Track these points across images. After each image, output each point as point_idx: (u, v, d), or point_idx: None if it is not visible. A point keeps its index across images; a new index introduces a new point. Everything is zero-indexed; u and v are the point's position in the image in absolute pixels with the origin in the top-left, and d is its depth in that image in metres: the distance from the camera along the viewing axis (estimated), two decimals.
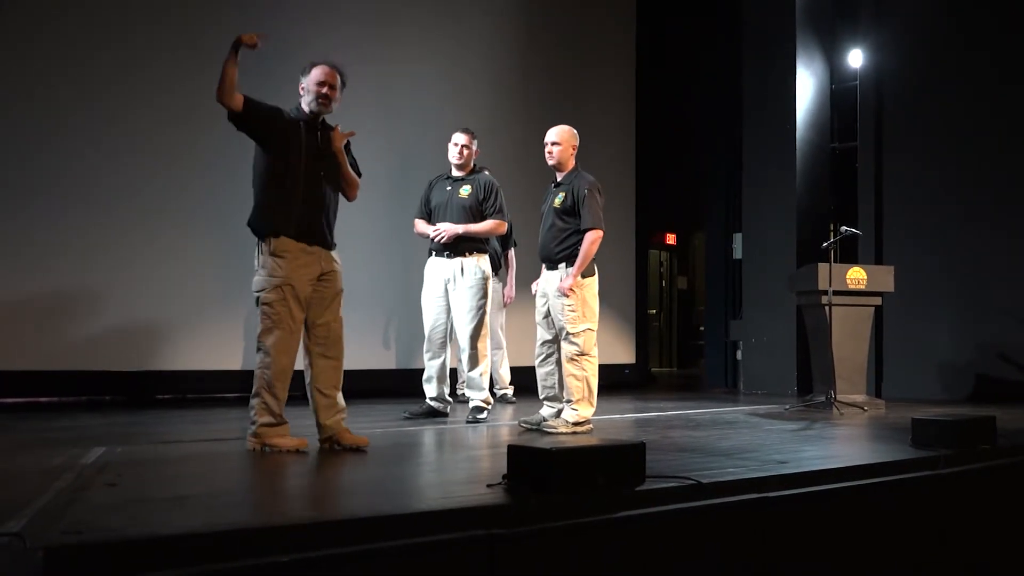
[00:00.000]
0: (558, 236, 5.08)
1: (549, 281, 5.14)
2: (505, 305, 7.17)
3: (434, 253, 5.76)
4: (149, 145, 6.70)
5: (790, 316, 8.28)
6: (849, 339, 6.80)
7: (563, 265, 5.07)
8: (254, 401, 3.97)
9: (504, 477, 2.99)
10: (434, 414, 5.72)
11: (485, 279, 5.69)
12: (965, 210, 7.83)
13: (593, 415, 5.11)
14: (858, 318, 6.94)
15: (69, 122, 6.42)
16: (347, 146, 4.30)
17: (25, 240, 6.23)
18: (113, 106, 6.58)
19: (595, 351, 5.06)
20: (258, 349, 3.99)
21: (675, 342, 14.35)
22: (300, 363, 4.14)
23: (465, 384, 5.94)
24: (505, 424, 5.54)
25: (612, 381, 8.61)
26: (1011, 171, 7.66)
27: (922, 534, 3.67)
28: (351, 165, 4.29)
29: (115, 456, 3.78)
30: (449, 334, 5.81)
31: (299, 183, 4.04)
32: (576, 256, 5.00)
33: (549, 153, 5.19)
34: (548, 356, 5.20)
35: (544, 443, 3.35)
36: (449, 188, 5.77)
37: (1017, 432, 4.87)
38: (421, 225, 5.83)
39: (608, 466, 2.98)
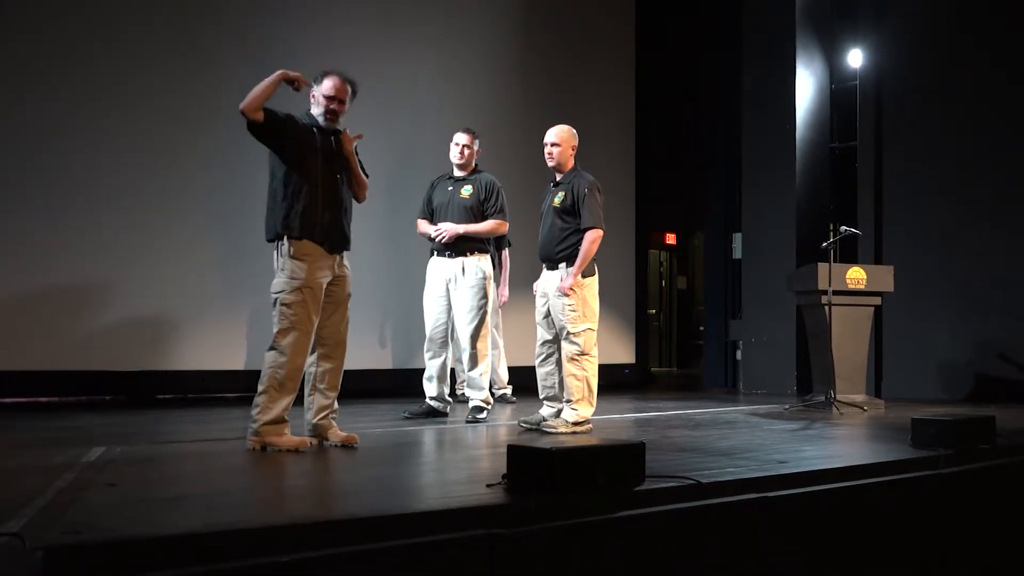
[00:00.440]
0: (558, 236, 5.08)
1: (549, 281, 5.14)
2: (500, 305, 7.16)
3: (436, 253, 5.77)
4: (149, 145, 6.70)
5: (790, 316, 8.27)
6: (849, 339, 6.80)
7: (563, 265, 5.06)
8: (259, 399, 3.99)
9: (504, 477, 3.00)
10: (434, 414, 5.72)
11: (486, 279, 5.70)
12: (965, 209, 7.82)
13: (593, 415, 5.11)
14: (858, 318, 6.94)
15: (69, 122, 6.42)
16: (355, 148, 4.37)
17: (25, 240, 6.23)
18: (113, 106, 6.58)
19: (595, 351, 5.06)
20: (272, 348, 4.03)
21: (675, 342, 14.36)
22: None
23: (465, 384, 5.95)
24: (504, 424, 5.54)
25: (612, 381, 8.61)
26: (1011, 171, 7.66)
27: (922, 534, 3.67)
28: (359, 166, 4.38)
29: (115, 456, 3.78)
30: (450, 334, 5.81)
31: (319, 187, 4.12)
32: (576, 256, 5.01)
33: (549, 154, 5.18)
34: (548, 356, 5.20)
35: (544, 443, 3.35)
36: (451, 188, 5.77)
37: (1016, 432, 4.87)
38: (423, 225, 5.84)
39: (608, 466, 2.98)
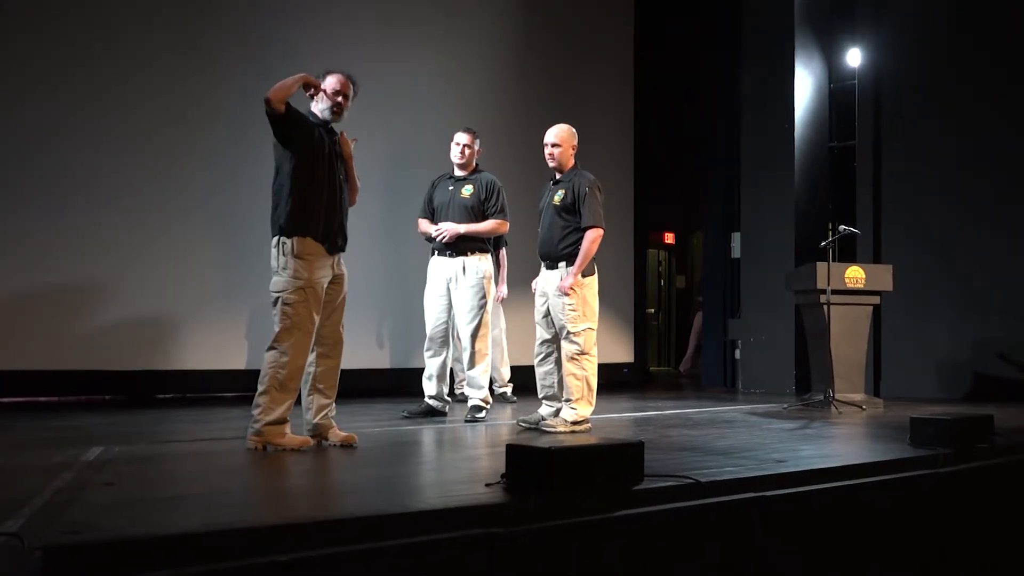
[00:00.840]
0: (559, 234, 5.08)
1: (549, 280, 5.14)
2: (498, 301, 7.15)
3: (436, 252, 5.78)
4: (149, 145, 6.69)
5: (788, 315, 8.27)
6: (847, 338, 6.80)
7: (563, 264, 5.07)
8: (261, 399, 3.99)
9: (503, 476, 3.00)
10: (433, 413, 5.72)
11: (486, 278, 5.70)
12: (963, 209, 7.82)
13: (592, 414, 5.11)
14: (856, 317, 6.93)
15: (69, 122, 6.42)
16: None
17: (25, 239, 6.23)
18: (113, 106, 6.57)
19: (595, 350, 5.06)
20: (272, 348, 4.03)
21: (674, 341, 14.35)
22: None
23: (465, 383, 5.95)
24: (503, 423, 5.55)
25: (611, 380, 8.60)
26: (1009, 170, 7.66)
27: (920, 533, 3.67)
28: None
29: (114, 456, 3.79)
30: (450, 333, 5.82)
31: (324, 186, 4.17)
32: (577, 254, 5.01)
33: (550, 155, 5.18)
34: (547, 355, 5.20)
35: (543, 442, 3.35)
36: (451, 188, 5.78)
37: (1015, 431, 4.87)
38: (424, 224, 5.85)
39: (607, 465, 2.99)
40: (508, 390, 7.15)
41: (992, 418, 4.46)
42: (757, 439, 4.68)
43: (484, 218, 5.71)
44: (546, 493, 2.80)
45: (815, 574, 3.28)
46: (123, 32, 6.66)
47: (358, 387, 6.68)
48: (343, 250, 4.30)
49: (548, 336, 5.17)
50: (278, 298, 4.05)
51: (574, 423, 4.97)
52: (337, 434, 4.22)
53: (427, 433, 5.03)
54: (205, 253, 6.92)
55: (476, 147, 5.85)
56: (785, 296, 7.73)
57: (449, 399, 5.85)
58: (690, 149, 11.29)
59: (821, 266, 6.67)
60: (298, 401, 4.19)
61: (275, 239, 4.12)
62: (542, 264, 5.24)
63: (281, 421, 4.00)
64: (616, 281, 8.97)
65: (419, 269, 6.00)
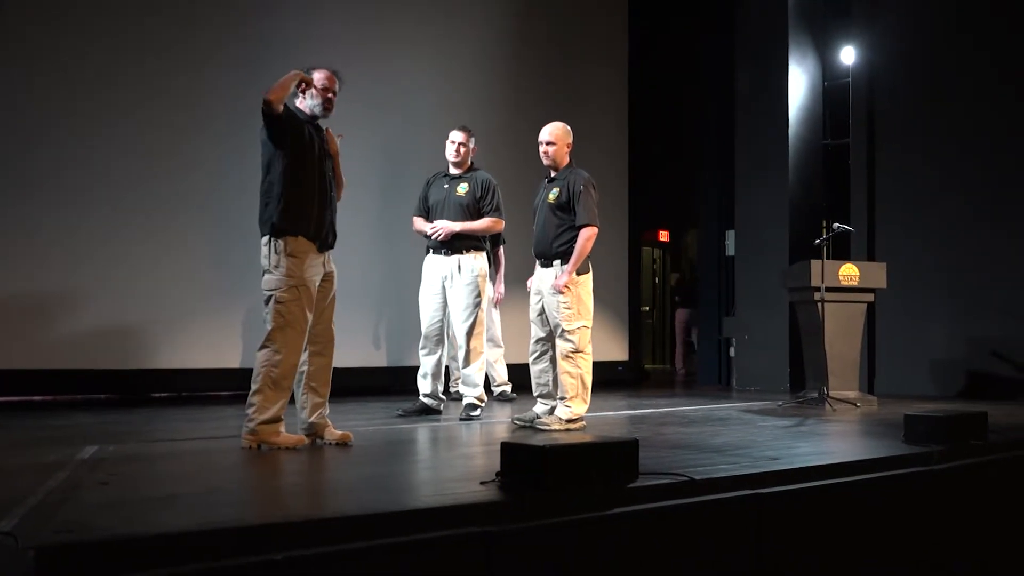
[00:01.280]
0: (554, 232, 5.08)
1: (543, 278, 5.14)
2: (497, 303, 7.15)
3: (432, 251, 5.77)
4: (142, 144, 6.68)
5: (783, 313, 8.29)
6: (842, 335, 6.81)
7: (558, 262, 5.07)
8: (255, 398, 3.98)
9: (498, 474, 3.00)
10: (428, 411, 5.72)
11: (482, 277, 5.70)
12: (957, 206, 7.84)
13: (586, 412, 5.11)
14: (851, 314, 6.95)
15: (62, 122, 6.40)
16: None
17: (18, 238, 6.21)
18: (106, 106, 6.55)
19: (590, 348, 5.07)
20: (264, 347, 4.02)
21: (668, 339, 14.37)
22: None
23: (460, 380, 5.95)
24: (499, 421, 5.55)
25: (605, 378, 8.60)
26: (1003, 168, 7.67)
27: (914, 529, 3.68)
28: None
29: (108, 454, 3.78)
30: (446, 331, 5.82)
31: (314, 183, 4.17)
32: (572, 252, 5.01)
33: (545, 153, 5.18)
34: (542, 353, 5.20)
35: (537, 440, 3.35)
36: (447, 186, 5.78)
37: (1008, 428, 4.90)
38: (419, 223, 5.84)
39: (601, 463, 2.99)
40: (508, 388, 7.15)
41: (986, 415, 4.47)
42: (751, 436, 4.69)
43: (479, 216, 5.71)
44: (541, 491, 2.80)
45: (809, 571, 3.29)
46: (116, 32, 6.64)
47: (353, 385, 6.67)
48: (333, 247, 4.30)
49: (543, 334, 5.18)
50: (270, 296, 4.04)
51: (569, 421, 4.97)
52: (333, 433, 4.23)
53: (422, 431, 5.02)
54: (198, 252, 6.91)
55: (471, 145, 5.85)
56: (779, 294, 7.75)
57: (443, 397, 5.85)
58: (684, 147, 11.30)
59: (815, 264, 6.68)
60: (292, 400, 4.18)
61: (266, 238, 4.10)
62: (537, 262, 5.24)
63: (275, 420, 4.00)
64: (611, 279, 8.98)
65: (414, 267, 5.99)
